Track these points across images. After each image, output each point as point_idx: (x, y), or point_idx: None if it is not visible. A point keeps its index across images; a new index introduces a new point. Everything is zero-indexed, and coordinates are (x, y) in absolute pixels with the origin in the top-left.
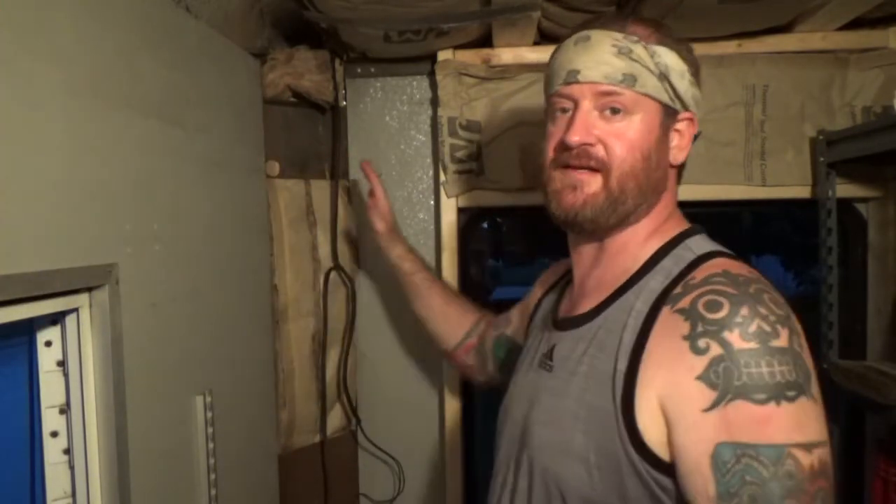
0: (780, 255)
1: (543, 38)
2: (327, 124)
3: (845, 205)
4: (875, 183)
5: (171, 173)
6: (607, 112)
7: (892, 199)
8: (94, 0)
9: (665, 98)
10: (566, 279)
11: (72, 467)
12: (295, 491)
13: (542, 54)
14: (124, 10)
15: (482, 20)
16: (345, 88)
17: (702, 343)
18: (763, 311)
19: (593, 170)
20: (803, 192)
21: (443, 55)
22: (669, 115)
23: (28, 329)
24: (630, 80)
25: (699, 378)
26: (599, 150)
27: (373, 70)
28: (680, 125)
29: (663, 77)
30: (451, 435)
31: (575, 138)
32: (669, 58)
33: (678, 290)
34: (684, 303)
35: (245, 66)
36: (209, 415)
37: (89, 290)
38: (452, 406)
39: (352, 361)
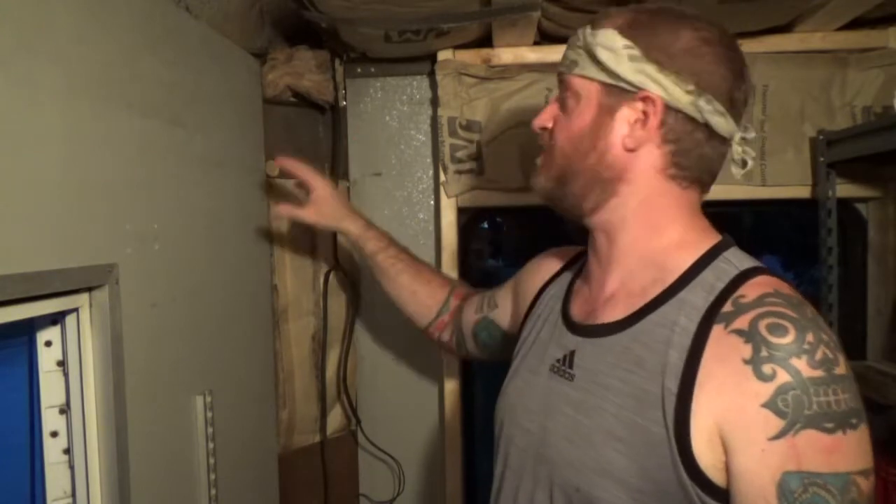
0: (779, 254)
1: (543, 38)
2: (327, 124)
3: (845, 205)
4: (875, 183)
5: (171, 173)
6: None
7: (892, 199)
8: (95, 0)
9: (603, 77)
10: (573, 270)
11: (72, 467)
12: (295, 491)
13: (542, 54)
14: (125, 10)
15: (482, 20)
16: (345, 88)
17: (767, 369)
18: (825, 337)
19: (545, 152)
20: (803, 192)
21: (443, 55)
22: (614, 95)
23: (28, 329)
24: (571, 65)
25: (765, 405)
26: (548, 135)
27: (373, 70)
28: (637, 104)
29: (592, 55)
30: (451, 435)
31: (534, 122)
32: (606, 37)
33: (728, 307)
34: (741, 323)
35: (245, 66)
36: (209, 415)
37: (89, 290)
38: (452, 406)
39: (352, 361)
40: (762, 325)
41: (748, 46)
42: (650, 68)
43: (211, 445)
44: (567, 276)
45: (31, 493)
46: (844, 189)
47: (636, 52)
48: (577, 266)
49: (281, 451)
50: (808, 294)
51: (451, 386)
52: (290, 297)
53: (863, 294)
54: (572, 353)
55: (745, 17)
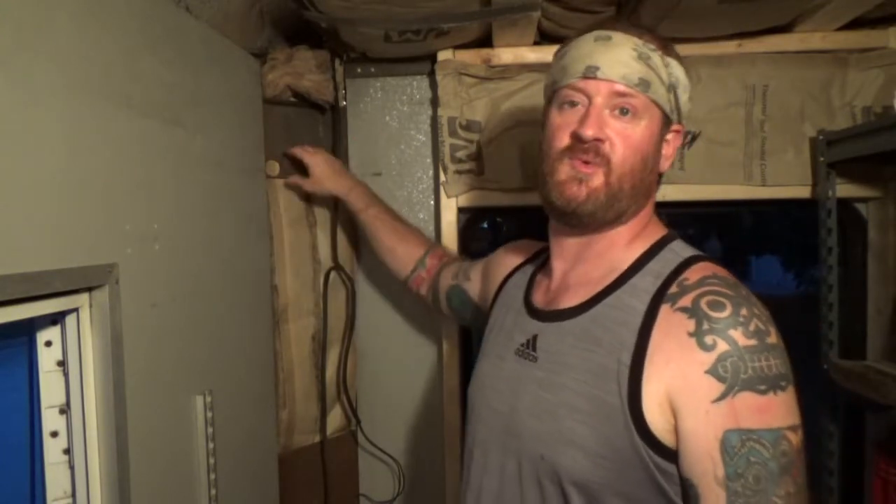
0: (779, 254)
1: (543, 38)
2: (327, 124)
3: (845, 205)
4: (875, 183)
5: (171, 173)
6: (617, 112)
7: (892, 199)
8: (95, 0)
9: (667, 108)
10: (535, 264)
11: (72, 467)
12: (295, 491)
13: (542, 54)
14: (125, 10)
15: (482, 20)
16: (345, 88)
17: (709, 340)
18: (757, 311)
19: (598, 165)
20: (803, 192)
21: (443, 55)
22: (666, 124)
23: (28, 329)
24: (644, 85)
25: (708, 372)
26: (607, 147)
27: (373, 70)
28: (670, 136)
29: (672, 88)
30: (451, 435)
31: (590, 132)
32: (679, 72)
33: (674, 289)
34: (685, 301)
35: (245, 66)
36: (209, 415)
37: (89, 290)
38: (452, 406)
39: (352, 361)
40: (703, 302)
41: (748, 46)
42: (690, 107)
43: (211, 445)
44: (529, 269)
45: (31, 493)
46: (844, 189)
47: (689, 92)
48: (540, 260)
49: (281, 451)
50: (808, 294)
51: (452, 386)
52: (290, 297)
53: (863, 294)
54: (535, 337)
55: (745, 17)
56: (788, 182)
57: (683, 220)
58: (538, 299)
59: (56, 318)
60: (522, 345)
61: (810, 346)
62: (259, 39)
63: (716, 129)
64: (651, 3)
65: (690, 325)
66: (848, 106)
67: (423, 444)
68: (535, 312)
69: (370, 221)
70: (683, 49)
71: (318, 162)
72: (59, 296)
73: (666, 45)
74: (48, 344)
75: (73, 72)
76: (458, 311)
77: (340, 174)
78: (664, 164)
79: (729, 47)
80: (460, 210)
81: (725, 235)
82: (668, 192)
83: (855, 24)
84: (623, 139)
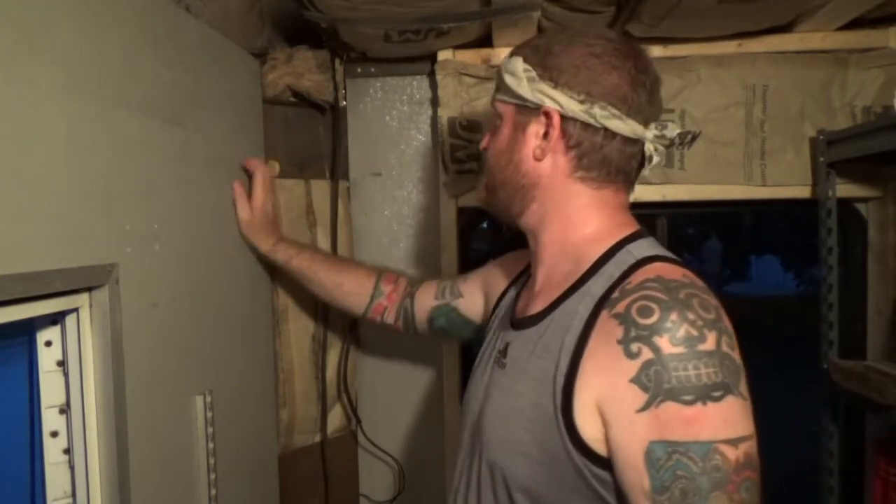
0: (779, 254)
1: None
2: (327, 124)
3: (845, 205)
4: (875, 183)
5: (171, 173)
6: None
7: (892, 199)
8: (95, 0)
9: (512, 99)
10: (526, 274)
11: (72, 467)
12: (295, 491)
13: None
14: (125, 10)
15: (482, 20)
16: (345, 88)
17: (634, 347)
18: (691, 316)
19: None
20: (803, 192)
21: (443, 55)
22: (524, 114)
23: (28, 329)
24: (496, 91)
25: (632, 381)
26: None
27: (373, 70)
28: (542, 120)
29: (503, 81)
30: (451, 435)
31: (481, 145)
32: (512, 64)
33: (616, 294)
34: (620, 307)
35: (245, 66)
36: (209, 415)
37: (89, 290)
38: (453, 406)
39: (352, 361)
40: (634, 308)
41: (748, 46)
42: (545, 87)
43: (211, 445)
44: (525, 278)
45: (31, 493)
46: (844, 189)
47: (533, 74)
48: (529, 272)
49: (281, 451)
50: (808, 294)
51: (452, 386)
52: (290, 297)
53: (863, 294)
54: (507, 346)
55: (745, 17)
56: (788, 182)
57: (684, 220)
58: (519, 307)
59: (56, 318)
60: (499, 352)
61: (809, 346)
62: (259, 39)
63: (716, 129)
64: (651, 3)
65: (619, 332)
66: (848, 106)
67: (423, 444)
68: (512, 321)
69: (305, 265)
70: (683, 49)
71: (258, 199)
72: (59, 296)
73: (525, 45)
74: (48, 344)
75: (73, 72)
76: (445, 330)
77: (270, 228)
78: (536, 152)
79: (729, 47)
80: (460, 210)
81: (725, 235)
82: (668, 193)
83: (855, 24)
84: (489, 142)
